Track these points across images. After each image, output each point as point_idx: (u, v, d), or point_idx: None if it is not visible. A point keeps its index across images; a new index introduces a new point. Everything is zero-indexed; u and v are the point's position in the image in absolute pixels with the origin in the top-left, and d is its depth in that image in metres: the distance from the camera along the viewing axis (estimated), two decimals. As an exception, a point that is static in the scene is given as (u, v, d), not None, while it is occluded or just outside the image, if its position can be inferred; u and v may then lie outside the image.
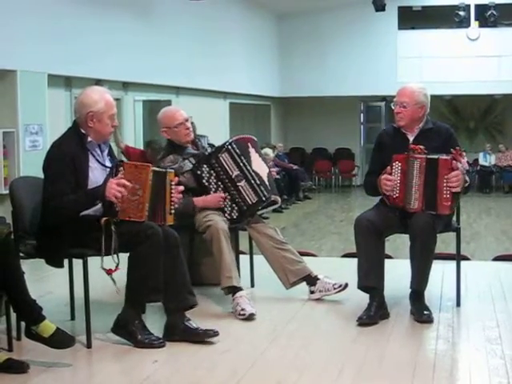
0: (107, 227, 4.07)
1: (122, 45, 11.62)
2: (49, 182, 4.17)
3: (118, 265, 4.10)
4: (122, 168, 4.14)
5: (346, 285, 5.07)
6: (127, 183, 4.07)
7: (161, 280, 4.22)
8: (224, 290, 4.91)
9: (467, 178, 4.71)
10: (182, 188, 4.54)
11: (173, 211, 4.36)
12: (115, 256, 4.09)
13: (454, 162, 4.61)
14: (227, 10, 16.19)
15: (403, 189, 4.71)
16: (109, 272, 4.11)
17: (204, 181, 5.10)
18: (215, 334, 4.28)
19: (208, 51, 15.03)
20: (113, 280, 4.13)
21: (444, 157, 4.64)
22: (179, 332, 4.28)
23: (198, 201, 5.03)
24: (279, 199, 5.39)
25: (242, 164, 5.11)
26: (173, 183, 4.39)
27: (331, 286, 5.12)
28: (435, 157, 4.65)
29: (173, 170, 4.48)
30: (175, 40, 13.61)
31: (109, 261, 4.10)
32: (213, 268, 5.20)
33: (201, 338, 4.27)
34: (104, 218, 4.09)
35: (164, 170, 4.40)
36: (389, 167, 4.74)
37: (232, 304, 4.85)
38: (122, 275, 4.18)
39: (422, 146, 4.72)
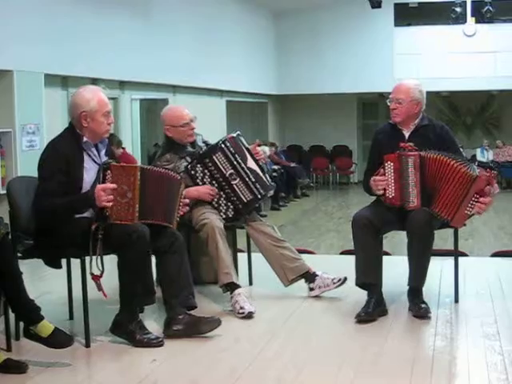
0: (95, 232, 4.07)
1: (119, 44, 11.61)
2: (41, 183, 4.18)
3: (102, 272, 4.10)
4: (109, 171, 4.11)
5: (345, 278, 5.07)
6: (112, 186, 4.06)
7: (152, 282, 4.26)
8: (222, 287, 4.91)
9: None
10: (187, 201, 4.58)
11: (178, 219, 4.42)
12: (99, 263, 4.10)
13: (488, 187, 4.56)
14: (224, 8, 16.18)
15: (399, 187, 4.70)
16: (94, 278, 4.10)
17: (198, 180, 5.09)
18: (218, 321, 4.30)
19: (205, 49, 15.02)
20: (97, 286, 4.12)
21: (484, 175, 4.57)
22: (181, 324, 4.29)
23: (190, 190, 4.98)
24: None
25: (235, 162, 5.10)
26: (183, 193, 4.47)
27: (330, 280, 5.13)
28: (474, 174, 4.54)
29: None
30: (172, 38, 13.59)
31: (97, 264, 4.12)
32: (210, 266, 5.22)
33: (204, 324, 4.29)
34: (94, 225, 4.07)
35: (179, 177, 4.50)
36: (381, 169, 4.74)
37: (230, 302, 4.85)
38: (113, 277, 4.18)
39: (411, 143, 4.72)
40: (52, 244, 4.16)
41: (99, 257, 4.09)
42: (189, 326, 4.29)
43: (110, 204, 4.04)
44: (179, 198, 4.44)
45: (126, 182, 4.12)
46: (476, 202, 4.57)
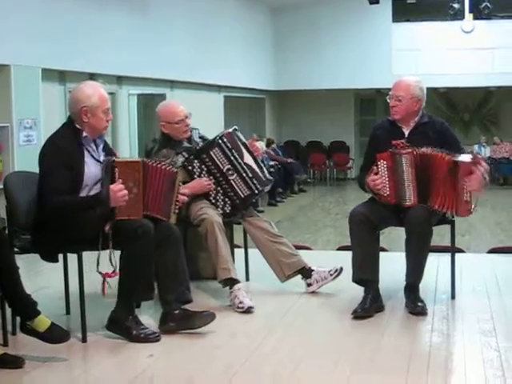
0: (109, 230, 4.09)
1: (116, 39, 11.60)
2: (45, 179, 4.17)
3: (115, 270, 4.14)
4: (116, 168, 4.13)
5: (341, 268, 5.06)
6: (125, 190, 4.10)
7: (153, 278, 4.26)
8: (221, 282, 4.91)
9: (486, 176, 4.61)
10: (186, 191, 4.59)
11: (177, 211, 4.43)
12: (113, 261, 4.13)
13: (473, 167, 4.55)
14: (222, 3, 16.16)
15: (393, 185, 4.70)
16: (105, 276, 4.13)
17: (195, 176, 5.09)
18: (212, 316, 4.30)
19: (203, 45, 15.01)
20: (107, 283, 4.15)
21: (465, 160, 4.58)
22: (176, 319, 4.30)
23: (185, 188, 4.99)
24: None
25: (232, 158, 5.11)
26: (180, 183, 4.48)
27: (327, 273, 5.12)
28: (458, 160, 4.57)
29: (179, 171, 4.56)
30: (169, 34, 13.58)
31: (103, 264, 4.13)
32: (207, 261, 5.22)
33: (198, 319, 4.29)
34: (109, 224, 4.08)
35: (175, 169, 4.48)
36: (374, 167, 4.74)
37: (229, 297, 4.85)
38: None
39: (403, 141, 4.71)
40: (50, 239, 4.16)
41: (112, 254, 4.13)
42: (183, 320, 4.30)
43: (125, 203, 4.08)
44: (176, 190, 4.44)
45: (131, 178, 4.15)
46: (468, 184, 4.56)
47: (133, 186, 4.15)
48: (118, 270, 4.15)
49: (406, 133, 4.87)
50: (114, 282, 4.20)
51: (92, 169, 4.24)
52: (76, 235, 4.12)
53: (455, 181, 4.58)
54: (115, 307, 4.23)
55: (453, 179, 4.59)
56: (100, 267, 4.13)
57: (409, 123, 4.89)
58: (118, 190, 4.07)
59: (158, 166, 4.37)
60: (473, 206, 4.68)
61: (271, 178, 5.38)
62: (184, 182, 4.95)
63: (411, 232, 4.68)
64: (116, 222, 4.11)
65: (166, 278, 4.33)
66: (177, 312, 4.31)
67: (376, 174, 4.73)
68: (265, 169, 5.31)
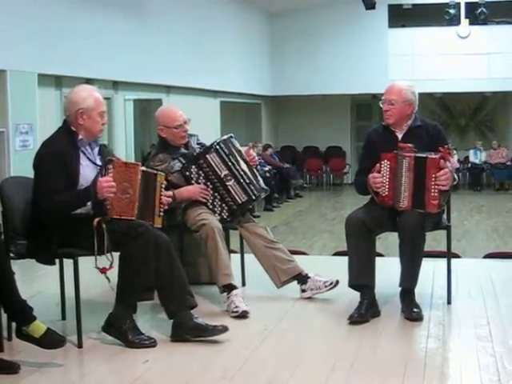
0: (99, 226, 4.08)
1: (112, 44, 11.61)
2: (40, 181, 4.18)
3: (112, 263, 4.11)
4: (111, 166, 4.14)
5: (337, 282, 5.06)
6: (113, 182, 4.09)
7: (152, 278, 4.23)
8: (221, 288, 4.90)
9: (455, 176, 4.71)
10: (170, 193, 4.58)
11: (162, 214, 4.39)
12: (109, 254, 4.11)
13: (441, 161, 4.60)
14: (218, 8, 16.17)
15: (392, 187, 4.71)
16: (103, 271, 4.12)
17: (193, 181, 5.09)
18: (225, 329, 4.27)
19: (199, 50, 15.02)
20: (107, 278, 4.14)
21: (432, 155, 4.64)
22: (190, 330, 4.26)
23: (181, 191, 5.00)
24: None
25: (230, 163, 5.11)
26: (163, 186, 4.43)
27: (322, 283, 5.12)
28: (423, 155, 4.65)
29: (163, 173, 4.52)
30: (165, 39, 13.59)
31: (102, 260, 4.11)
32: (204, 267, 5.21)
33: (211, 333, 4.25)
34: (97, 219, 4.09)
35: (154, 171, 4.44)
36: (377, 165, 4.75)
37: (226, 302, 4.85)
38: (114, 274, 4.17)
39: (410, 144, 4.73)
40: (45, 243, 4.16)
41: (107, 248, 4.10)
42: (195, 332, 4.24)
43: (112, 195, 4.07)
44: (158, 192, 4.40)
45: (127, 179, 4.16)
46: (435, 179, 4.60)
47: (128, 187, 4.15)
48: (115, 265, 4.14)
49: (400, 137, 4.89)
50: (113, 277, 4.18)
51: (87, 171, 4.25)
52: (71, 238, 4.12)
53: (423, 177, 4.61)
54: (113, 309, 4.22)
55: (421, 175, 4.61)
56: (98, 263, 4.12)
57: (402, 127, 4.91)
58: (105, 181, 4.07)
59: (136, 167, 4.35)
60: (441, 203, 4.68)
61: (266, 187, 5.37)
62: (179, 186, 4.97)
63: (404, 236, 4.68)
64: (114, 222, 4.10)
65: (163, 286, 4.29)
66: (189, 325, 4.26)
67: (378, 171, 4.74)
68: (259, 178, 5.31)
